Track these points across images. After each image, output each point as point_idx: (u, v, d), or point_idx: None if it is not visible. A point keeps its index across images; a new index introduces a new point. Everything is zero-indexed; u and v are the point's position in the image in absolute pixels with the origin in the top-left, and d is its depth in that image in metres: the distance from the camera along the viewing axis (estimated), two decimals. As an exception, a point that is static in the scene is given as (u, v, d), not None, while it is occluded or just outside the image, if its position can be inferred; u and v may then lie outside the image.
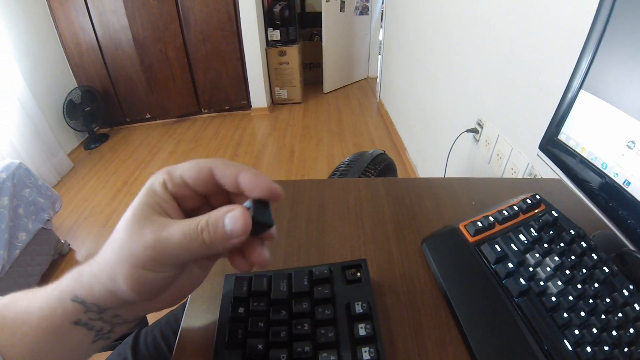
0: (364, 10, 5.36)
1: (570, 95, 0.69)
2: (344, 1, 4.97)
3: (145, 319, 0.92)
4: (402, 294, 0.59)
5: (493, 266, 0.59)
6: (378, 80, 5.15)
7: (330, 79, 5.34)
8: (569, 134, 0.70)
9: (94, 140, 4.22)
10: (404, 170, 3.39)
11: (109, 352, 0.81)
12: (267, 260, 0.43)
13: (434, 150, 2.61)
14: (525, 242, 0.61)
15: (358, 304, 0.50)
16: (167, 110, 4.63)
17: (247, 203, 0.40)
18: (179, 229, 0.37)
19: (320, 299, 0.50)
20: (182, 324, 0.54)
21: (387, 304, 0.57)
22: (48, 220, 2.42)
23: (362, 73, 5.95)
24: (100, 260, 0.39)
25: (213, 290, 0.56)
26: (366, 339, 0.47)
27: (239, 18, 4.18)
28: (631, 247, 0.63)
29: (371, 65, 5.94)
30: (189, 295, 0.56)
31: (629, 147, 0.60)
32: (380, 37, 5.30)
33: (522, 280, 0.56)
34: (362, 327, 0.47)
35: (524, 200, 0.68)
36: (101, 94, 4.25)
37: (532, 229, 0.63)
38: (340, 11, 5.01)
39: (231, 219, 0.37)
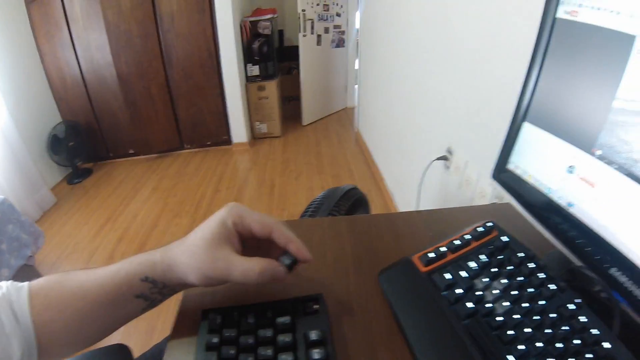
0: (340, 43, 5.48)
1: (515, 126, 0.74)
2: (320, 35, 5.08)
3: (130, 353, 0.93)
4: (358, 322, 0.63)
5: (444, 293, 0.62)
6: (355, 111, 5.22)
7: (309, 111, 5.40)
8: (516, 163, 0.74)
9: (77, 175, 4.20)
10: (381, 199, 3.42)
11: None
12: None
13: (409, 179, 2.64)
14: (475, 268, 0.65)
15: (313, 332, 0.54)
16: (150, 146, 4.64)
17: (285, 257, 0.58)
18: (241, 267, 0.54)
19: (282, 329, 0.56)
20: (165, 357, 0.58)
21: (344, 332, 0.61)
22: (30, 256, 2.40)
23: (341, 104, 6.04)
24: (175, 258, 0.57)
25: (194, 324, 0.60)
26: None
27: (219, 55, 4.25)
28: (578, 263, 0.66)
29: (349, 95, 6.05)
30: (171, 328, 0.62)
31: (569, 172, 0.64)
32: (357, 68, 5.39)
33: (469, 304, 0.59)
34: (316, 352, 0.52)
35: (475, 229, 0.72)
36: (85, 128, 4.28)
37: (482, 255, 0.67)
38: (317, 45, 5.12)
39: (273, 276, 0.55)
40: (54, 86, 4.14)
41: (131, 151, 4.66)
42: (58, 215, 3.53)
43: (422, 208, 2.17)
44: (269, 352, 0.53)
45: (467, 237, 0.71)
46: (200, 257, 0.55)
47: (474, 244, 0.70)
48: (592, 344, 0.54)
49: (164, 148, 4.72)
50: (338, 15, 5.27)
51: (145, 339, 2.12)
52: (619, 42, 0.56)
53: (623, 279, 0.57)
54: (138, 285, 0.56)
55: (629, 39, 0.54)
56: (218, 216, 0.58)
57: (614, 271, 0.59)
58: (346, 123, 5.54)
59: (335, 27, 5.32)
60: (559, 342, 0.54)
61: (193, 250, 0.56)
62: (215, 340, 0.54)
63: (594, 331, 0.56)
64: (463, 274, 0.64)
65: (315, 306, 0.61)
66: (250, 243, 0.61)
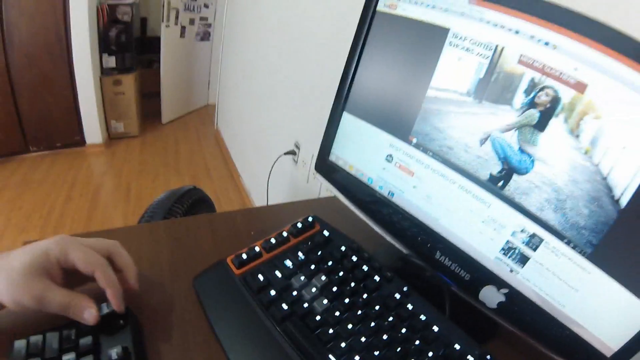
0: (205, 36, 5.30)
1: (335, 117, 0.74)
2: (185, 26, 4.87)
3: None
4: (174, 332, 0.59)
5: (257, 296, 0.59)
6: (216, 107, 5.11)
7: (169, 108, 5.14)
8: (338, 154, 0.74)
9: None
10: (239, 197, 3.38)
11: None
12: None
13: (262, 175, 2.66)
14: (291, 267, 0.63)
15: (113, 351, 0.51)
16: None
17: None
18: (57, 300, 0.52)
19: (84, 351, 0.52)
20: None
21: (159, 344, 0.57)
22: None
23: (202, 100, 5.88)
24: None
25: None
26: None
27: (70, 40, 3.69)
28: (405, 252, 0.68)
29: (211, 92, 5.88)
30: None
31: (387, 160, 0.65)
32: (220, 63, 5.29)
33: (284, 305, 0.57)
34: None
35: (294, 225, 0.70)
36: None
37: (300, 253, 0.65)
38: (181, 37, 4.87)
39: (88, 314, 0.53)
40: None
41: None
42: None
43: (272, 203, 2.19)
44: None
45: (285, 234, 0.69)
46: (16, 283, 0.52)
47: (293, 241, 0.68)
48: (421, 329, 0.56)
49: (5, 151, 3.91)
50: (206, 6, 5.05)
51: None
52: (434, 34, 0.59)
53: (448, 262, 0.61)
54: None
55: (443, 31, 0.57)
56: (42, 245, 0.55)
57: (439, 256, 0.62)
58: (207, 120, 5.41)
59: (202, 18, 5.10)
60: (385, 333, 0.54)
61: (9, 273, 0.52)
62: None
63: (422, 317, 0.57)
64: (277, 274, 0.62)
65: (121, 321, 0.57)
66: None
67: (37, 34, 3.58)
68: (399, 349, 0.53)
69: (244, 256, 0.64)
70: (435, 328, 0.56)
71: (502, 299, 0.56)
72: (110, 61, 4.19)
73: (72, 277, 0.57)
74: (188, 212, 1.33)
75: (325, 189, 1.56)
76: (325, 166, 0.78)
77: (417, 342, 0.55)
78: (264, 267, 0.63)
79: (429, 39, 0.59)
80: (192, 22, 4.96)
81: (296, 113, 1.94)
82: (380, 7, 0.66)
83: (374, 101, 0.68)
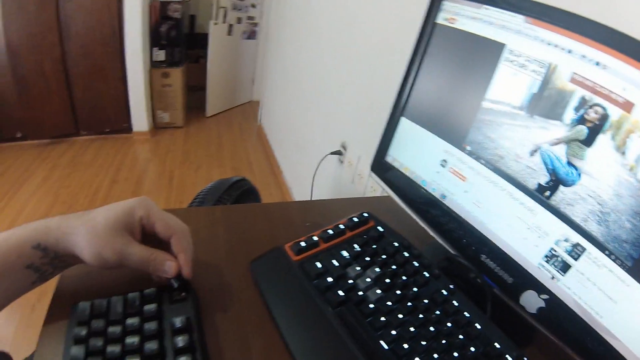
0: (252, 35, 5.36)
1: (393, 121, 0.78)
2: (232, 24, 4.95)
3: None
4: (230, 311, 0.63)
5: (314, 282, 0.64)
6: (260, 104, 5.17)
7: (214, 102, 5.24)
8: (394, 156, 0.78)
9: None
10: (279, 192, 3.41)
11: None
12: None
13: (305, 172, 2.69)
14: (347, 257, 0.67)
15: (177, 319, 0.54)
16: (41, 129, 4.01)
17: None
18: (138, 254, 0.56)
19: (148, 317, 0.55)
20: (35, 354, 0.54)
21: (216, 321, 0.60)
22: None
23: (246, 96, 5.95)
24: (73, 228, 0.54)
25: (64, 323, 0.56)
26: (185, 349, 0.51)
27: (124, 34, 3.86)
28: (453, 252, 0.71)
29: (255, 89, 5.96)
30: (41, 331, 0.57)
31: (442, 165, 0.69)
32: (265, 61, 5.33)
33: (340, 292, 0.61)
34: (180, 340, 0.51)
35: (350, 219, 0.75)
36: None
37: (355, 245, 0.70)
38: (228, 34, 4.96)
39: (168, 266, 0.57)
40: None
41: (19, 134, 3.95)
42: None
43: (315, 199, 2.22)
44: (135, 341, 0.51)
45: (342, 226, 0.73)
46: (99, 237, 0.54)
47: (349, 234, 0.73)
48: (464, 325, 0.59)
49: (58, 133, 4.13)
50: (253, 6, 5.11)
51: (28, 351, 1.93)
52: (491, 49, 0.61)
53: (492, 265, 0.63)
54: (28, 254, 0.52)
55: (500, 47, 0.60)
56: (127, 204, 0.58)
57: (484, 258, 0.65)
58: (250, 116, 5.45)
59: (249, 18, 5.16)
60: (432, 326, 0.58)
61: (94, 227, 0.55)
62: (83, 332, 0.52)
63: (466, 314, 0.61)
64: (334, 263, 0.66)
65: (183, 294, 0.60)
66: (150, 240, 0.60)
67: (93, 27, 3.75)
68: (444, 341, 0.56)
69: (303, 244, 0.69)
70: (478, 325, 0.59)
71: (542, 304, 0.57)
72: (160, 55, 4.33)
73: (144, 238, 0.59)
74: (236, 202, 1.36)
75: (370, 189, 1.58)
76: (381, 167, 0.82)
77: (461, 336, 0.57)
78: (321, 255, 0.67)
79: (486, 53, 0.62)
80: (239, 20, 5.04)
81: (344, 115, 1.96)
82: (439, 20, 0.69)
83: (432, 108, 0.71)
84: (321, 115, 2.36)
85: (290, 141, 3.28)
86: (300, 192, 2.98)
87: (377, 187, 1.53)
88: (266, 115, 4.61)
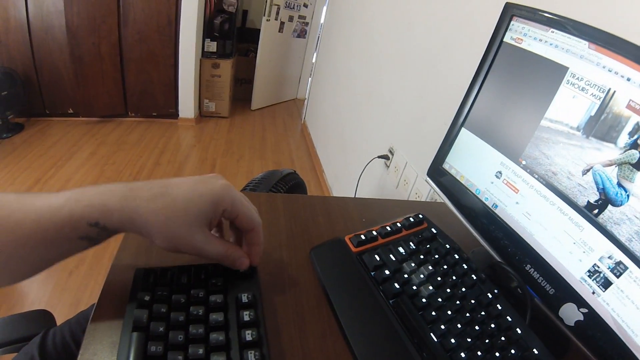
0: (302, 34, 5.44)
1: (454, 130, 0.82)
2: (284, 22, 5.02)
3: (54, 319, 0.90)
4: (288, 294, 0.66)
5: (372, 273, 0.68)
6: (305, 102, 5.22)
7: (260, 96, 5.34)
8: (451, 164, 0.83)
9: (6, 130, 3.62)
10: (319, 190, 3.50)
11: (14, 354, 0.79)
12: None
13: (348, 174, 2.72)
14: (403, 253, 0.72)
15: (244, 295, 0.56)
16: (92, 108, 4.16)
17: None
18: (215, 250, 0.56)
19: (214, 289, 0.57)
20: (93, 314, 0.55)
21: (275, 301, 0.63)
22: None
23: (291, 94, 6.03)
24: (142, 214, 0.50)
25: (124, 286, 0.57)
26: (250, 324, 0.53)
27: (179, 24, 4.00)
28: (498, 259, 0.74)
29: (301, 87, 6.04)
30: (101, 293, 0.58)
31: (496, 176, 0.73)
32: (314, 61, 5.36)
33: (396, 284, 0.65)
34: (246, 314, 0.54)
35: (407, 219, 0.80)
36: (22, 79, 3.65)
37: (411, 243, 0.74)
38: (279, 31, 5.04)
39: (240, 263, 0.58)
40: (-5, 25, 3.61)
41: (70, 111, 4.15)
42: (-20, 171, 3.14)
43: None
44: (200, 311, 0.52)
45: (398, 225, 0.78)
46: (178, 227, 0.52)
47: (405, 232, 0.77)
48: (506, 329, 0.63)
49: (107, 112, 4.30)
50: (305, 5, 5.21)
51: (70, 311, 1.91)
52: (554, 71, 0.64)
53: (536, 275, 0.66)
54: (84, 229, 0.48)
55: (562, 69, 0.63)
56: (213, 193, 0.55)
57: (528, 268, 0.67)
58: (294, 113, 5.51)
59: (300, 17, 5.27)
60: (477, 325, 0.62)
61: (170, 217, 0.51)
62: (147, 298, 0.53)
63: (508, 318, 0.64)
64: (392, 257, 0.71)
65: (248, 272, 0.61)
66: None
67: (150, 15, 3.89)
68: (487, 341, 0.60)
69: (363, 237, 0.73)
70: (518, 330, 0.62)
71: (581, 317, 0.58)
72: (212, 46, 4.46)
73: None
74: (287, 193, 1.41)
75: (415, 196, 1.61)
76: (438, 172, 0.86)
77: (503, 338, 0.61)
78: (380, 249, 0.72)
79: (549, 74, 0.65)
80: (290, 19, 5.14)
81: (394, 120, 1.98)
82: (507, 39, 0.73)
83: (492, 122, 0.75)
84: (370, 119, 2.37)
85: (334, 141, 3.31)
86: (340, 192, 3.01)
87: (421, 194, 1.56)
88: (311, 113, 4.66)
